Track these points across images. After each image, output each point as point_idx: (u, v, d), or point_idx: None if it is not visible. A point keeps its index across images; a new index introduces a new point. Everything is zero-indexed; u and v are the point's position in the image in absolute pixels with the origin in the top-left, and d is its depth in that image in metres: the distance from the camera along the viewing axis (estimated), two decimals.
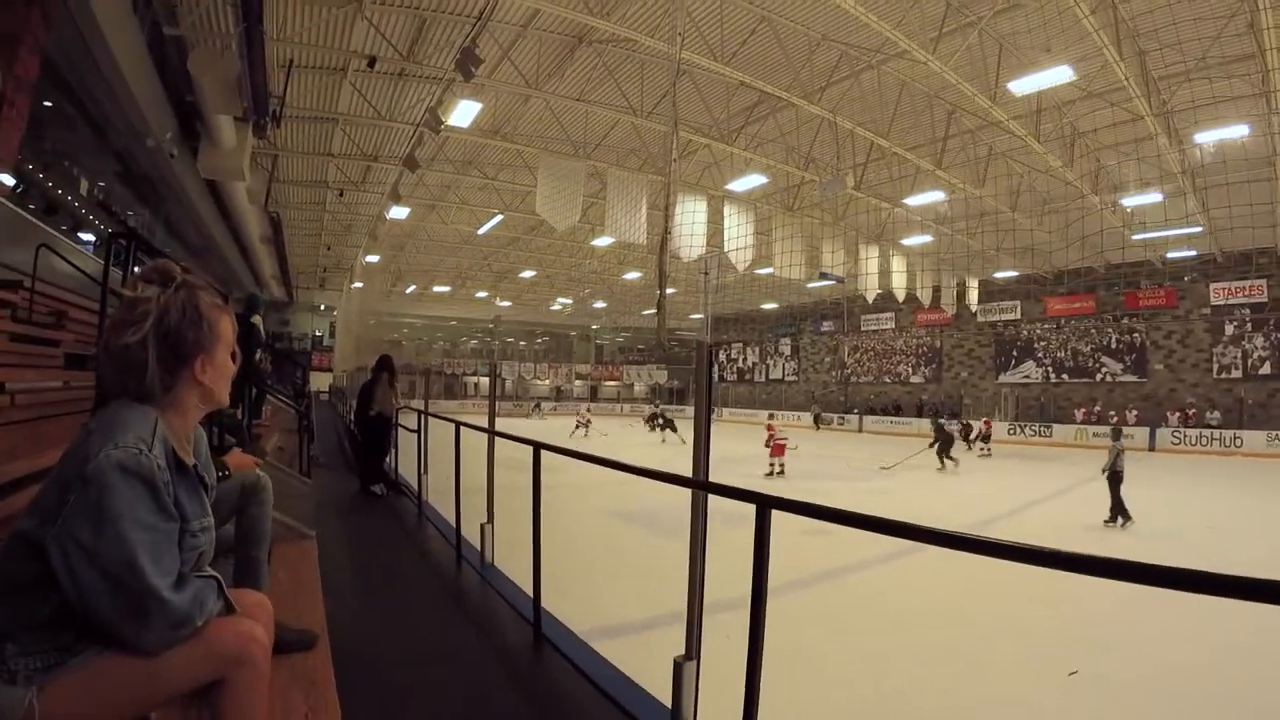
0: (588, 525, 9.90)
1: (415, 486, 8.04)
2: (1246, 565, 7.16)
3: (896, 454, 20.44)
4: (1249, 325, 27.57)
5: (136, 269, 3.53)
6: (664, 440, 26.82)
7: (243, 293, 14.01)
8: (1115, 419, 28.52)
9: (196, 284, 1.65)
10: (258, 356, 9.07)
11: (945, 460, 19.39)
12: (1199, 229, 22.48)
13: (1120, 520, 11.28)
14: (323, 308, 47.06)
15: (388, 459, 9.59)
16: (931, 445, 19.61)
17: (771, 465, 17.00)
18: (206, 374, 1.64)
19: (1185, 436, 27.45)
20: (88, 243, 13.48)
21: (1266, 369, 27.08)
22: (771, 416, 37.12)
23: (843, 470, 18.70)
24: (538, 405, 45.32)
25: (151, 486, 1.45)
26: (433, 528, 6.87)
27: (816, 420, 40.90)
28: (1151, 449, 27.59)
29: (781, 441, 17.42)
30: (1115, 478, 11.47)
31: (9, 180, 9.34)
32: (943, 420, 21.94)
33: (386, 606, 4.53)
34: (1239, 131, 15.47)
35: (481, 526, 5.50)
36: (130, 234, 4.00)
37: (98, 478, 1.38)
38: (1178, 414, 28.67)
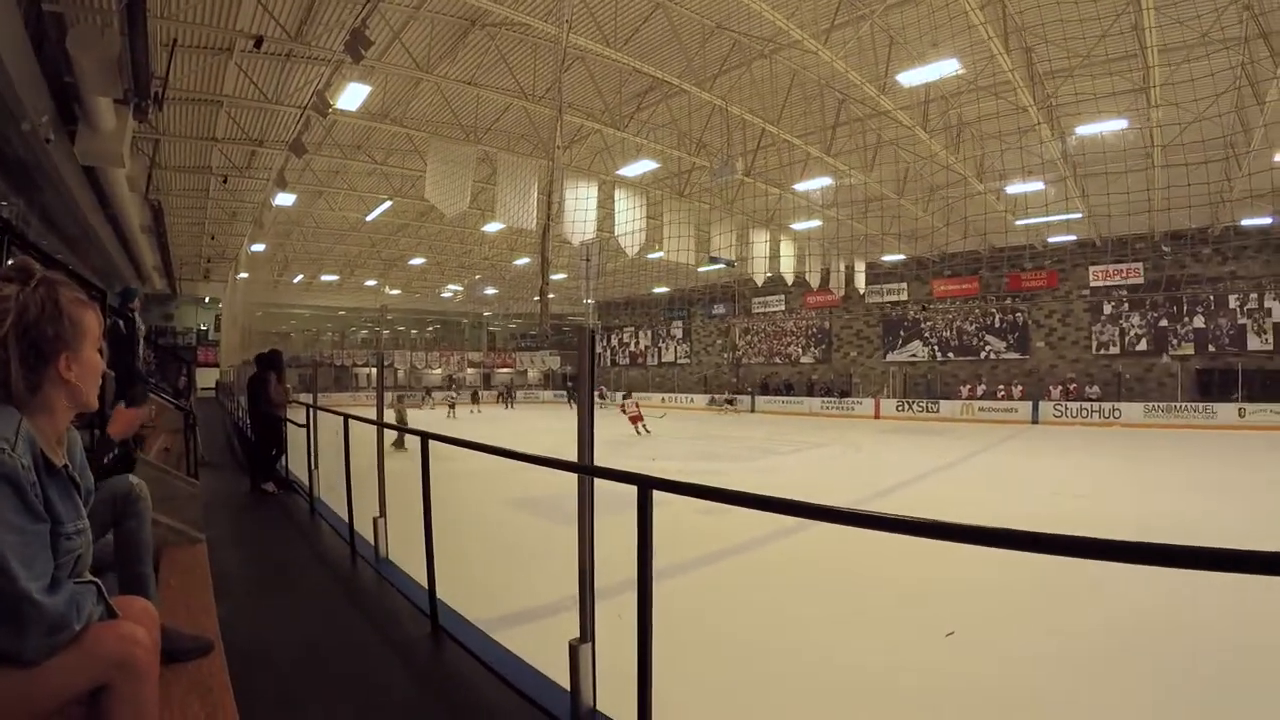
0: (485, 514, 9.77)
1: (307, 483, 7.89)
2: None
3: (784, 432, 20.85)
4: (1126, 305, 29.63)
5: (10, 262, 3.36)
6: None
7: (122, 286, 13.26)
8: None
9: (57, 280, 1.61)
10: (140, 353, 8.66)
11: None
12: (1079, 215, 24.01)
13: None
14: (207, 300, 44.80)
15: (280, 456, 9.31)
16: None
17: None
18: (72, 371, 1.59)
19: (1067, 409, 29.19)
20: None
21: (1142, 345, 29.19)
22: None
23: (737, 450, 19.14)
24: (428, 394, 44.21)
25: (15, 486, 1.40)
26: (326, 524, 6.76)
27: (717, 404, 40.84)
28: (1035, 421, 29.35)
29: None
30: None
31: None
32: None
33: (281, 606, 4.47)
34: (1118, 125, 16.63)
35: (374, 520, 5.46)
36: (3, 225, 3.76)
37: None
38: (1059, 388, 30.50)
